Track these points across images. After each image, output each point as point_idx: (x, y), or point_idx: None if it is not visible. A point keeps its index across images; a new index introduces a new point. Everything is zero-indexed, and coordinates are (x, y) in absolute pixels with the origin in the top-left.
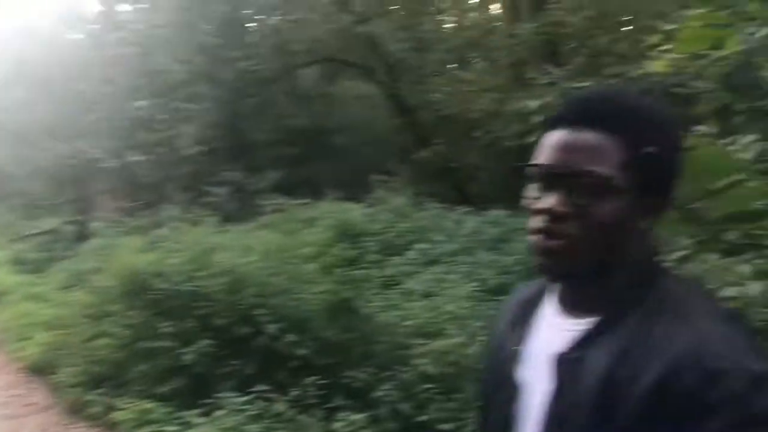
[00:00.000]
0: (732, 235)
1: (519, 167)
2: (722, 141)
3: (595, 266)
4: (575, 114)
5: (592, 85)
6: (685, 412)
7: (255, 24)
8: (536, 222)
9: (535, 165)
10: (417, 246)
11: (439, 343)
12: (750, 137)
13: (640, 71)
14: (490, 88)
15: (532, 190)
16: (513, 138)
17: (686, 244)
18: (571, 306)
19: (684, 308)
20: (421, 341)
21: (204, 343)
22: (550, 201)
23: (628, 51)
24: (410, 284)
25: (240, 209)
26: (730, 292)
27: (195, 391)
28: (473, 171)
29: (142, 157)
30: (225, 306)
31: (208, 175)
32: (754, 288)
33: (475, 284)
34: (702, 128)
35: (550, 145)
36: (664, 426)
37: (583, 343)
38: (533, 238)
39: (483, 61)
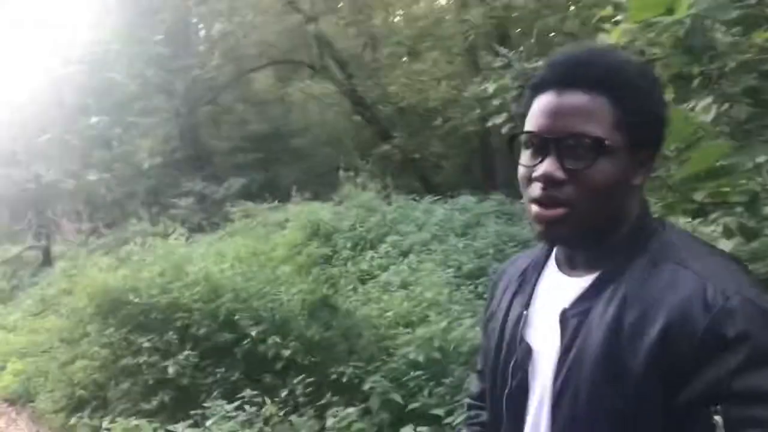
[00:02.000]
0: (699, 196)
1: (511, 140)
2: (681, 106)
3: (596, 228)
4: (561, 76)
5: (574, 45)
6: (698, 354)
7: (204, 31)
8: (533, 191)
9: (527, 132)
10: (389, 239)
11: (422, 330)
12: (707, 99)
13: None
14: (446, 75)
15: (525, 159)
16: (473, 123)
17: (654, 209)
18: (573, 265)
19: (685, 254)
20: (404, 330)
21: (186, 354)
22: (544, 167)
23: (578, 29)
24: (386, 277)
25: (207, 218)
26: None
27: (182, 403)
28: (436, 160)
29: (101, 175)
30: (203, 315)
31: (170, 188)
32: (726, 246)
33: (450, 270)
34: None
35: (539, 110)
36: (675, 372)
37: (587, 297)
38: (532, 208)
39: (436, 50)
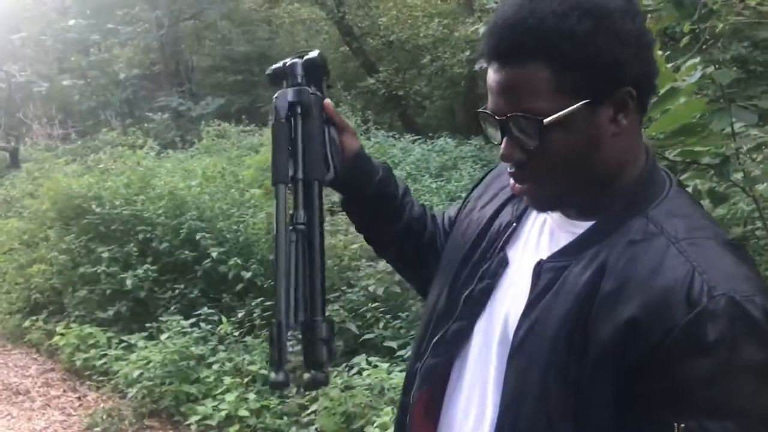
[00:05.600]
0: (671, 153)
1: (468, 94)
2: (668, 65)
3: (575, 192)
4: (492, 49)
5: (506, 6)
6: (669, 351)
7: None
8: (507, 167)
9: (481, 112)
10: None
11: (384, 264)
12: (694, 60)
13: None
14: (439, 13)
15: (495, 135)
16: (461, 65)
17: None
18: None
19: (684, 232)
20: (366, 264)
21: (145, 268)
22: (502, 150)
23: None
24: None
25: (180, 135)
26: None
27: (138, 315)
28: (421, 99)
29: (76, 82)
30: (166, 230)
31: (145, 101)
32: None
33: None
34: None
35: (489, 86)
36: (639, 361)
37: (568, 252)
38: (511, 181)
39: None
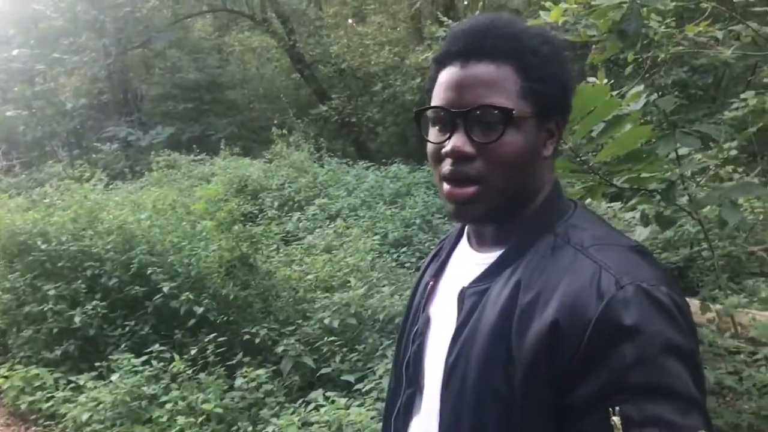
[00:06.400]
0: (619, 180)
1: (418, 116)
2: (614, 92)
3: (508, 203)
4: (464, 48)
5: (475, 16)
6: (591, 346)
7: None
8: (443, 168)
9: (434, 108)
10: (318, 201)
11: (340, 296)
12: (638, 88)
13: (534, 21)
14: (389, 41)
15: (433, 135)
16: (412, 92)
17: (575, 190)
18: (482, 240)
19: (589, 241)
20: (323, 295)
21: (94, 304)
22: (453, 142)
23: (524, 7)
24: (311, 239)
25: (130, 166)
26: None
27: (87, 354)
28: (373, 126)
29: (20, 112)
30: (115, 265)
31: (93, 131)
32: (642, 233)
33: (376, 237)
34: (593, 79)
35: (445, 84)
36: (566, 365)
37: (487, 275)
38: (444, 186)
39: (381, 14)
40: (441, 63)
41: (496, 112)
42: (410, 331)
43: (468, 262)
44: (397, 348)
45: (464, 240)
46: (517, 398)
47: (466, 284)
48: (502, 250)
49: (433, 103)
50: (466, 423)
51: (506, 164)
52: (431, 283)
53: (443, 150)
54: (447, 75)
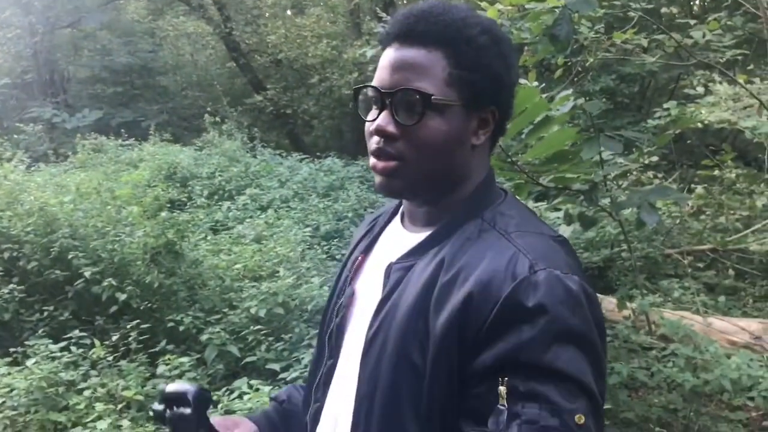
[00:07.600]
0: (545, 179)
1: (356, 93)
2: (543, 95)
3: (430, 183)
4: (401, 31)
5: (420, 2)
6: (495, 321)
7: None
8: (371, 144)
9: (366, 86)
10: (249, 191)
11: (268, 285)
12: (567, 92)
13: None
14: (328, 34)
15: (370, 113)
16: (349, 86)
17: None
18: (414, 220)
19: (513, 227)
20: (250, 284)
21: (11, 288)
22: (378, 121)
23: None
24: (241, 229)
25: (54, 149)
26: None
27: (1, 340)
28: (309, 119)
29: None
30: (35, 248)
31: (16, 111)
32: (565, 232)
33: (308, 229)
34: (524, 81)
35: (381, 65)
36: (471, 337)
37: (414, 253)
38: (371, 159)
39: (320, 7)
40: (383, 44)
41: (417, 96)
42: (336, 303)
43: (398, 240)
44: (322, 320)
45: (397, 219)
46: (428, 369)
47: (393, 260)
48: (432, 231)
49: (373, 83)
50: (381, 393)
51: (427, 147)
52: (360, 258)
53: (371, 127)
54: (384, 56)
